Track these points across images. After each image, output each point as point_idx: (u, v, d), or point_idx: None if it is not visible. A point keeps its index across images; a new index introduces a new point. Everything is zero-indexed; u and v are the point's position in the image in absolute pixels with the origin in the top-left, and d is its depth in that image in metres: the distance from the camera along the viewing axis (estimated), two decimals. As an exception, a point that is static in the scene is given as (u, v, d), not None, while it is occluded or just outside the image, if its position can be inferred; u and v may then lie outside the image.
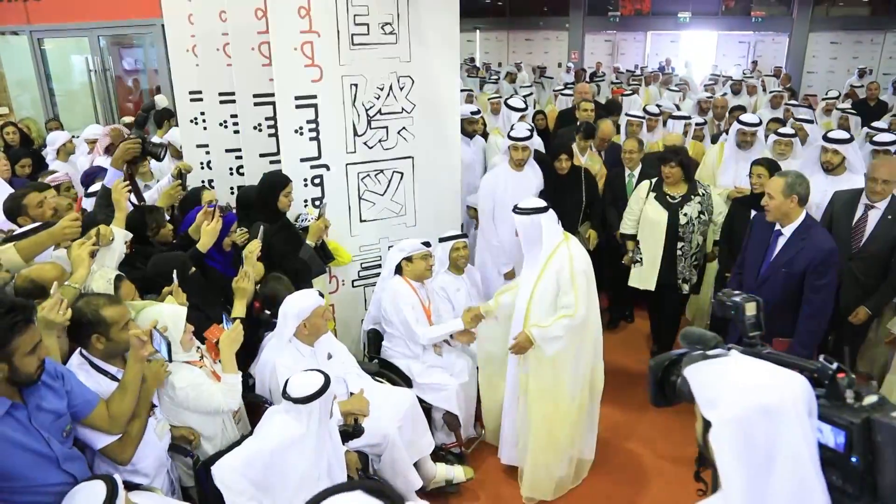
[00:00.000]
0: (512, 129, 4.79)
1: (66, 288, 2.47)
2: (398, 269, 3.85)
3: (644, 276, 4.57)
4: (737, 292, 1.64)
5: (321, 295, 3.16)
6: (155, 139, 4.47)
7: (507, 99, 6.90)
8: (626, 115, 6.35)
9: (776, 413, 1.23)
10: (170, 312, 2.62)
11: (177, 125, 5.78)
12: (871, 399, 1.26)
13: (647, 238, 4.51)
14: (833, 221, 3.87)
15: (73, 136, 5.98)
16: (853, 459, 1.21)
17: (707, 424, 1.30)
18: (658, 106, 6.91)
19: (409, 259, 3.80)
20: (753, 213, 3.88)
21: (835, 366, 1.29)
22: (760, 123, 5.10)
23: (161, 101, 4.15)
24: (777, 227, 3.39)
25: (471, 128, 5.71)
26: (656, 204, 4.44)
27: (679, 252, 4.41)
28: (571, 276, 3.28)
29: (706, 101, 7.98)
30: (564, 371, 3.36)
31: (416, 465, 3.35)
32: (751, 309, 1.57)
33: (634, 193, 4.69)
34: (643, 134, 6.14)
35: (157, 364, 2.53)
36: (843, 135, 4.41)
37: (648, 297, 4.74)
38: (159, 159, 3.86)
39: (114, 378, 2.42)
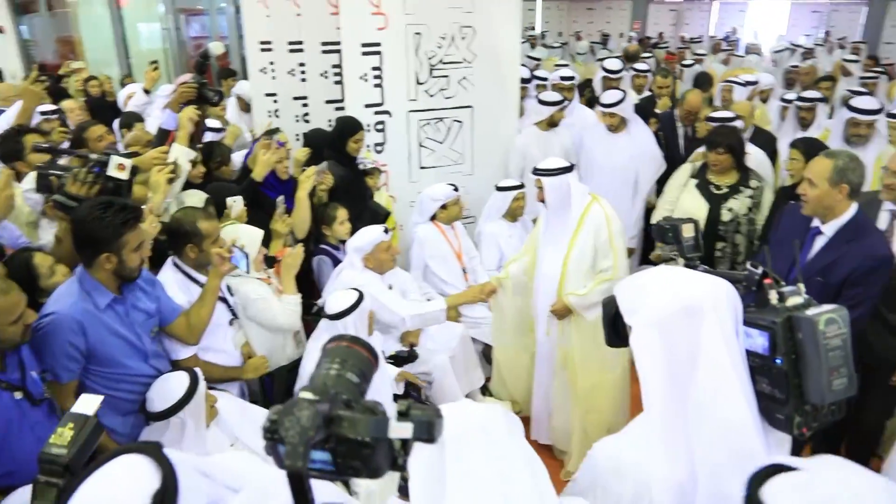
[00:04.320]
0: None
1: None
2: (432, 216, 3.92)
3: None
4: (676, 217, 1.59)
5: (386, 232, 3.30)
6: None
7: (605, 60, 6.38)
8: (724, 81, 5.78)
9: (696, 314, 1.20)
10: (248, 232, 2.82)
11: (244, 79, 6.00)
12: (795, 300, 1.24)
13: None
14: None
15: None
16: (777, 361, 1.20)
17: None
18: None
19: (443, 206, 3.89)
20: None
21: (760, 270, 1.29)
22: (881, 110, 4.04)
23: (215, 47, 4.21)
24: (815, 222, 2.57)
25: (560, 95, 4.85)
26: (696, 193, 3.69)
27: (718, 253, 3.67)
28: (610, 238, 3.03)
29: (792, 70, 7.40)
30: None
31: (467, 397, 3.50)
32: (688, 231, 1.59)
33: (673, 178, 4.01)
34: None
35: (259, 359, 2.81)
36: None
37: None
38: (213, 104, 4.04)
39: (202, 287, 2.62)
